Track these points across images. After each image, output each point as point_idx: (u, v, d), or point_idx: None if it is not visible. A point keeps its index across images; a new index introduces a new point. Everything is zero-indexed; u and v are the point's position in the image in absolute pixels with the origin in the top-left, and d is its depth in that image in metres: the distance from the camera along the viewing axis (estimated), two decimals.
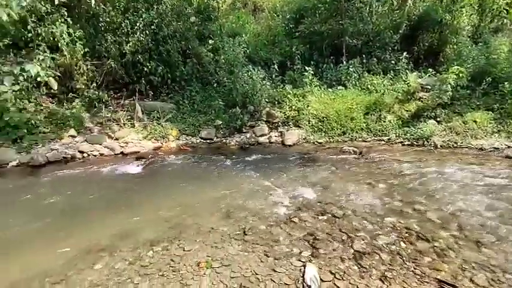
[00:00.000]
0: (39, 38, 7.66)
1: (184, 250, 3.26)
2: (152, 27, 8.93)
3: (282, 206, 4.42)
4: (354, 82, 9.78)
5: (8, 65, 7.23)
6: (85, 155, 6.93)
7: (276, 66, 10.24)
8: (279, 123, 8.80)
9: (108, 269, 2.96)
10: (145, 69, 8.89)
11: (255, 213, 4.16)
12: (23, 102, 7.03)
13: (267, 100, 9.22)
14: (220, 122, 8.71)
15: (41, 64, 5.68)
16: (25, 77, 5.49)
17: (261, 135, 8.46)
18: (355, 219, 3.96)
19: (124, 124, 8.05)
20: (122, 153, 7.16)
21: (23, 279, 2.82)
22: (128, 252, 3.24)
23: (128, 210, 4.42)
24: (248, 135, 8.53)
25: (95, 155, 7.02)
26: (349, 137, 8.18)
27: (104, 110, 8.37)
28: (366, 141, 8.01)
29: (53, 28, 7.55)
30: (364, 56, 10.23)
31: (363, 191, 4.91)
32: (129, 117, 8.30)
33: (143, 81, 9.12)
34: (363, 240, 3.45)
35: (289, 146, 7.97)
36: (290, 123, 8.78)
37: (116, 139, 7.52)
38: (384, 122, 8.28)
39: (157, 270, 2.90)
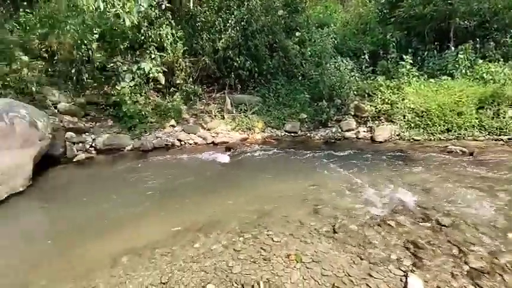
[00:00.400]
0: (149, 40, 8.78)
1: (273, 241, 3.30)
2: (242, 23, 9.29)
3: (375, 207, 4.08)
4: (463, 71, 8.40)
5: (126, 64, 8.50)
6: (182, 143, 7.71)
7: (366, 56, 9.51)
8: (368, 117, 8.18)
9: (205, 248, 3.21)
10: (235, 64, 9.33)
11: (344, 211, 3.95)
12: (136, 96, 8.19)
13: (355, 93, 8.67)
14: (305, 116, 8.57)
15: (152, 62, 6.50)
16: (138, 74, 6.37)
17: (348, 130, 8.02)
18: (467, 230, 3.38)
19: (215, 116, 8.65)
20: (213, 142, 7.73)
21: (136, 248, 3.27)
22: (222, 236, 3.45)
23: (218, 196, 4.73)
24: (334, 129, 8.19)
25: (190, 144, 7.75)
26: (455, 134, 7.09)
27: (198, 102, 9.17)
28: (477, 140, 6.82)
29: (160, 30, 8.56)
30: (477, 40, 8.64)
31: (476, 198, 4.17)
32: (219, 109, 8.88)
33: (233, 75, 9.61)
34: (480, 256, 2.91)
35: (380, 142, 7.34)
36: (381, 117, 8.08)
37: (208, 129, 8.15)
38: (504, 118, 6.90)
39: (249, 257, 3.01)
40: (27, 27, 8.38)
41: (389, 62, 9.65)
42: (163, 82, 6.25)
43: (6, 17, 8.23)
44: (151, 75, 5.98)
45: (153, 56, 7.45)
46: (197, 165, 6.42)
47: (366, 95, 8.57)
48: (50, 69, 8.00)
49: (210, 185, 5.29)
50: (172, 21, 8.81)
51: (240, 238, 3.38)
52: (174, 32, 8.81)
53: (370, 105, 8.24)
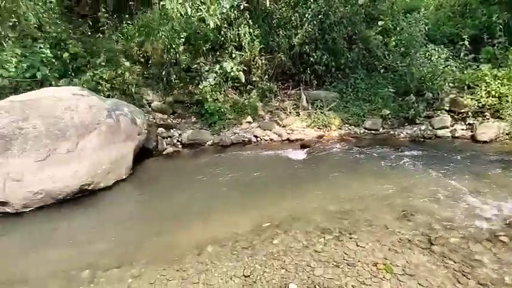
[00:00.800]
0: (228, 41, 9.19)
1: (357, 245, 3.09)
2: (319, 16, 8.98)
3: (481, 218, 3.48)
4: None
5: (208, 65, 9.08)
6: (258, 139, 7.87)
7: (466, 43, 8.21)
8: (468, 113, 7.07)
9: (284, 245, 3.19)
10: (311, 59, 9.09)
11: (441, 221, 3.46)
12: (216, 94, 8.69)
13: (451, 85, 7.57)
14: (388, 112, 7.86)
15: (233, 61, 6.78)
16: (218, 73, 6.71)
17: (441, 128, 7.06)
18: None
19: (290, 112, 8.61)
20: (288, 139, 7.70)
21: (219, 239, 3.44)
22: (301, 235, 3.38)
23: (295, 193, 4.66)
24: (423, 127, 7.31)
25: (266, 140, 7.86)
26: None
27: (274, 99, 9.24)
28: None
29: (239, 30, 8.88)
30: None
31: None
32: (294, 106, 8.79)
33: (308, 71, 9.39)
34: None
35: (484, 142, 6.27)
36: (486, 113, 6.90)
37: (283, 126, 8.15)
38: None
39: (332, 260, 2.88)
40: (129, 37, 9.63)
41: (496, 47, 8.15)
42: (243, 80, 6.48)
43: (113, 29, 9.58)
44: (232, 74, 6.25)
45: (233, 55, 7.75)
46: (273, 161, 6.47)
47: (466, 87, 7.40)
48: (145, 72, 9.06)
49: (287, 181, 5.26)
50: (250, 21, 9.04)
51: (320, 239, 3.26)
52: (251, 30, 9.04)
53: (471, 99, 7.09)
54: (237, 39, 9.05)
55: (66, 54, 7.55)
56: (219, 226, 3.81)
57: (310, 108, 8.59)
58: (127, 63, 8.36)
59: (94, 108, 5.40)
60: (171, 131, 8.11)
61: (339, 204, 4.10)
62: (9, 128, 4.45)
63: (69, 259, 3.29)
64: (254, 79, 9.16)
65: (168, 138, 7.81)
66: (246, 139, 7.87)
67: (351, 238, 3.23)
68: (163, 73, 8.79)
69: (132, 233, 3.83)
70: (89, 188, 4.81)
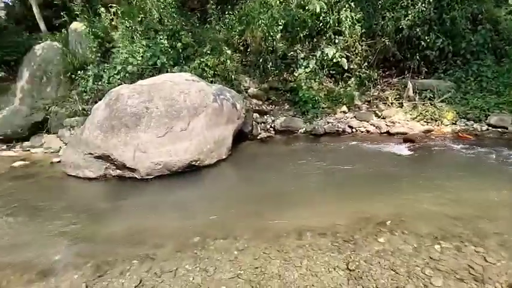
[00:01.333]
0: (327, 26, 8.82)
1: (486, 261, 2.62)
2: None
3: None
4: None
5: (304, 52, 8.94)
6: (353, 130, 7.45)
7: None
8: None
9: (391, 246, 2.94)
10: (422, 43, 8.03)
11: None
12: (310, 81, 8.52)
13: None
14: None
15: (336, 47, 6.49)
16: (319, 59, 6.50)
17: None
18: None
19: (391, 103, 7.85)
20: (387, 132, 7.05)
21: (318, 227, 3.37)
22: (410, 237, 3.06)
23: (399, 191, 4.23)
24: None
25: (362, 131, 7.38)
26: None
27: (373, 88, 8.55)
28: None
29: (339, 15, 8.42)
30: None
31: None
32: (397, 96, 7.97)
33: (417, 57, 8.36)
34: None
35: None
36: None
37: (383, 118, 7.49)
38: None
39: (453, 272, 2.51)
40: (230, 26, 10.19)
41: None
42: (346, 67, 6.15)
43: (217, 20, 10.27)
44: (334, 60, 5.99)
45: (333, 41, 7.41)
46: (370, 154, 6.02)
47: None
48: (243, 60, 9.48)
49: (389, 177, 4.82)
50: (352, 3, 8.46)
51: (436, 246, 2.88)
52: (353, 14, 8.46)
53: None
54: (337, 24, 8.61)
55: (179, 44, 8.46)
56: (317, 214, 3.75)
57: (416, 99, 7.65)
58: (228, 52, 8.88)
59: (203, 93, 5.92)
60: (265, 116, 8.36)
61: (458, 209, 3.55)
62: (139, 107, 5.26)
63: (181, 224, 3.74)
64: (352, 66, 8.62)
65: (262, 124, 8.08)
66: (340, 129, 7.54)
67: (476, 251, 2.76)
68: (260, 60, 9.05)
69: (234, 209, 4.10)
70: (196, 164, 5.35)
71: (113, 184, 5.23)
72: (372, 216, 3.59)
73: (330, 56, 5.69)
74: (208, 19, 9.68)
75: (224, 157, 5.93)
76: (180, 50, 8.46)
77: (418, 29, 8.10)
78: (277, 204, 4.12)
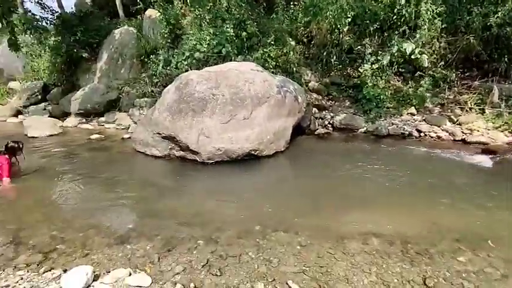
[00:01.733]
0: (402, 20, 8.15)
1: None
2: None
3: None
4: None
5: (372, 46, 8.41)
6: (422, 134, 6.86)
7: None
8: None
9: (475, 267, 2.62)
10: None
11: None
12: (376, 78, 8.01)
13: None
14: None
15: (416, 43, 5.97)
16: (395, 55, 6.00)
17: None
18: None
19: (470, 109, 7.05)
20: (463, 140, 6.36)
21: (385, 235, 3.16)
22: (499, 262, 2.70)
23: (484, 209, 3.75)
24: None
25: (432, 137, 6.76)
26: None
27: (448, 90, 7.76)
28: None
29: (417, 7, 7.71)
30: None
31: None
32: (478, 101, 7.13)
33: (505, 59, 7.35)
34: None
35: None
36: None
37: (458, 124, 6.77)
38: None
39: None
40: (294, 17, 9.98)
41: None
42: (425, 65, 5.63)
43: (282, 10, 10.12)
44: (413, 56, 5.51)
45: (409, 36, 6.82)
46: (442, 162, 5.49)
47: None
48: (306, 52, 9.26)
49: (469, 191, 4.32)
50: None
51: None
52: (434, 7, 7.69)
53: None
54: (413, 17, 7.91)
55: (244, 34, 8.53)
56: (382, 220, 3.52)
57: (502, 106, 6.75)
58: (292, 43, 8.73)
59: (267, 83, 5.90)
60: (324, 112, 8.11)
61: None
62: (207, 93, 5.42)
63: (240, 211, 3.78)
64: (425, 65, 7.88)
65: (320, 119, 7.86)
66: (406, 132, 7.01)
67: None
68: (324, 54, 8.75)
69: (292, 203, 4.04)
70: (255, 153, 5.38)
71: (176, 164, 5.51)
72: (447, 230, 3.26)
73: (408, 52, 5.23)
74: (275, 9, 9.58)
75: (282, 149, 5.88)
76: (245, 40, 8.53)
77: (508, 28, 7.09)
78: (336, 204, 3.97)
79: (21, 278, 2.36)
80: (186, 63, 8.03)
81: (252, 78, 5.86)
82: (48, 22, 10.95)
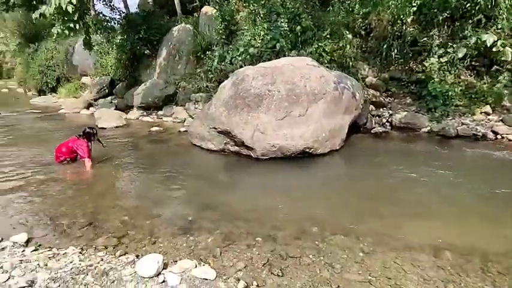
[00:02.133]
0: (476, 8, 7.26)
1: None
2: None
3: None
4: None
5: (441, 38, 7.64)
6: (498, 136, 6.11)
7: None
8: None
9: None
10: None
11: None
12: (445, 73, 7.29)
13: None
14: None
15: (498, 34, 5.29)
16: (472, 47, 5.36)
17: None
18: None
19: None
20: None
21: (459, 247, 2.86)
22: None
23: None
24: None
25: (510, 140, 5.98)
26: None
27: None
28: None
29: None
30: None
31: None
32: None
33: None
34: None
35: None
36: None
37: None
38: None
39: None
40: (351, 9, 9.47)
41: None
42: (509, 58, 4.95)
43: (339, 2, 9.67)
44: (494, 49, 4.88)
45: (499, 25, 6.06)
46: None
47: None
48: (364, 46, 8.76)
49: None
50: None
51: None
52: None
53: None
54: (489, 6, 6.99)
55: (298, 28, 8.35)
56: (452, 232, 3.20)
57: None
58: (349, 36, 8.33)
59: (323, 79, 5.71)
60: (382, 109, 7.65)
61: None
62: (262, 89, 5.42)
63: (295, 210, 3.72)
64: (509, 58, 6.94)
65: (377, 117, 7.43)
66: (479, 133, 6.30)
67: None
68: (384, 47, 8.19)
69: (348, 205, 3.87)
70: (310, 151, 5.26)
71: (230, 159, 5.64)
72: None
73: (488, 44, 4.61)
74: (331, 1, 9.20)
75: (337, 148, 5.67)
76: (299, 34, 8.35)
77: None
78: (397, 209, 3.70)
79: (102, 259, 2.60)
80: (240, 58, 8.13)
81: (308, 74, 5.71)
82: (116, 22, 11.90)
